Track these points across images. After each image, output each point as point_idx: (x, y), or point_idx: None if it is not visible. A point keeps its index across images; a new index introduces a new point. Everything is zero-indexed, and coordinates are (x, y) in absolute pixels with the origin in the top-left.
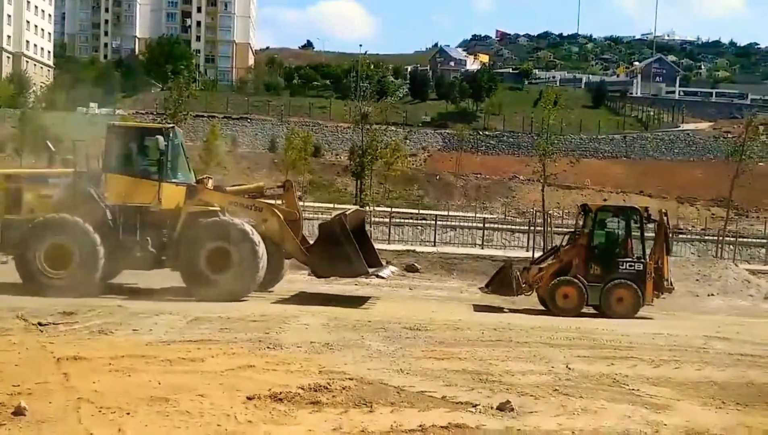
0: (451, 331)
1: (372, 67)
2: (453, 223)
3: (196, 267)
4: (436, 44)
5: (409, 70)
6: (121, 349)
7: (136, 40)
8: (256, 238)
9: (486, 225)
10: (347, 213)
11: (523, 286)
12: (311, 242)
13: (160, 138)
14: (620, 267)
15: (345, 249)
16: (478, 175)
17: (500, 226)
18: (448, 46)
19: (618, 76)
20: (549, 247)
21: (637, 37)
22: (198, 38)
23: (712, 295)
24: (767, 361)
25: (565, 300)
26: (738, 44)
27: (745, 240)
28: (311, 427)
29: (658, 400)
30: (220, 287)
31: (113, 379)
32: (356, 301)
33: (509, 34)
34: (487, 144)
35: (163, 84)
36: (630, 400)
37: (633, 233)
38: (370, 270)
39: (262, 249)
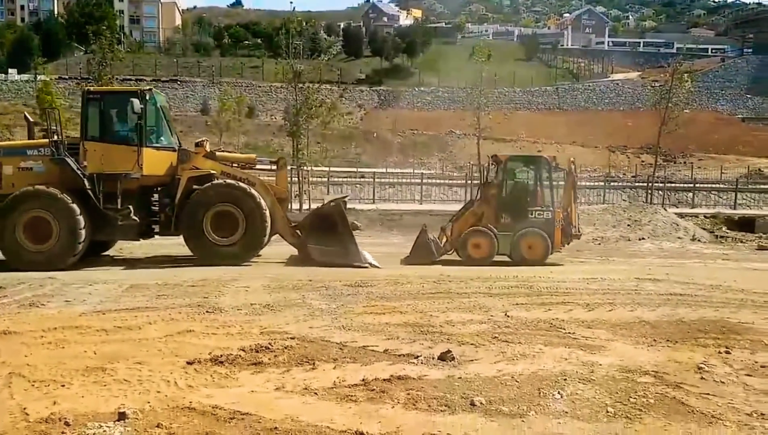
0: (392, 286)
1: (304, 24)
2: (391, 180)
3: (201, 231)
4: (368, 0)
5: (342, 26)
6: (53, 321)
7: (55, 1)
8: (263, 202)
9: (424, 180)
10: (346, 199)
11: (444, 245)
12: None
13: (135, 101)
14: (530, 216)
15: (342, 236)
16: (415, 132)
17: (438, 181)
18: (381, 1)
19: (549, 28)
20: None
21: None
22: None
23: (643, 238)
24: (695, 299)
25: (477, 250)
26: None
27: (673, 185)
28: (253, 388)
29: (593, 342)
30: (226, 251)
31: (46, 352)
32: (297, 261)
33: None
34: (423, 100)
35: (86, 47)
36: (566, 343)
37: (542, 182)
38: (365, 258)
39: (267, 213)
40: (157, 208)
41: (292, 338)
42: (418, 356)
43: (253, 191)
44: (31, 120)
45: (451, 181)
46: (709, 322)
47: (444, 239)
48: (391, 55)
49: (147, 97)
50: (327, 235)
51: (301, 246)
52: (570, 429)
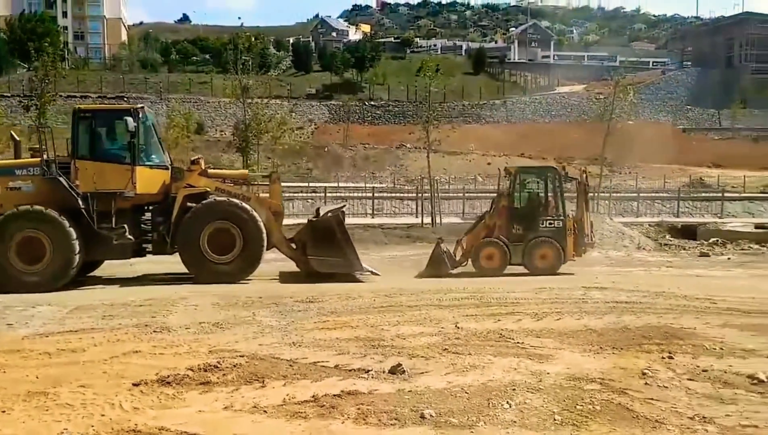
0: (343, 301)
1: (253, 39)
2: (343, 194)
3: (198, 249)
4: (317, 15)
5: (291, 42)
6: None
7: None
8: (259, 219)
9: (375, 194)
10: (343, 209)
11: (459, 258)
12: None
13: (130, 119)
14: (541, 225)
15: (341, 245)
16: (366, 145)
17: (389, 194)
18: (330, 16)
19: (496, 42)
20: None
21: (513, 3)
22: (65, 14)
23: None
24: (640, 306)
25: (489, 261)
26: (605, 8)
27: (618, 195)
28: (201, 408)
29: (541, 351)
30: (223, 269)
31: None
32: (248, 278)
33: (389, 3)
34: (374, 114)
35: (29, 64)
36: (515, 353)
37: (553, 193)
38: (365, 266)
39: (264, 229)
40: (149, 226)
41: (241, 356)
42: (368, 370)
43: (249, 208)
44: (18, 139)
45: (402, 195)
46: (653, 329)
47: (459, 252)
48: (340, 69)
49: (140, 116)
50: (326, 246)
51: (299, 259)
52: None
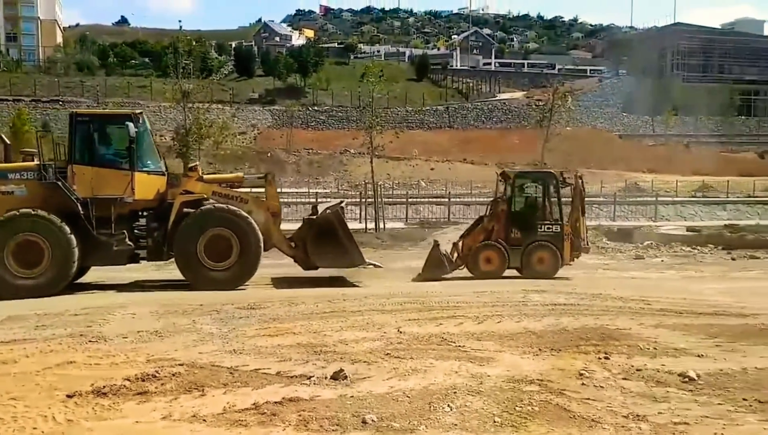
0: (286, 307)
1: (194, 43)
2: (287, 200)
3: (194, 256)
4: (259, 19)
5: (233, 46)
6: None
7: None
8: (256, 225)
9: (318, 199)
10: (342, 205)
11: (456, 261)
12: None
13: (131, 125)
14: (539, 230)
15: (342, 240)
16: (310, 151)
17: (334, 199)
18: (273, 21)
19: (439, 49)
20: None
21: (455, 11)
22: None
23: None
24: (578, 308)
25: (488, 264)
26: (544, 17)
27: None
28: (138, 419)
29: (482, 354)
30: (220, 276)
31: None
32: (187, 286)
33: (333, 9)
34: (317, 119)
35: None
36: (457, 356)
37: (551, 197)
38: (367, 260)
39: (261, 236)
40: (144, 232)
41: (180, 365)
42: (310, 377)
43: (246, 215)
44: (8, 142)
45: (346, 200)
46: (590, 330)
47: (455, 255)
48: (284, 74)
49: (140, 121)
50: (328, 242)
51: (300, 257)
52: None
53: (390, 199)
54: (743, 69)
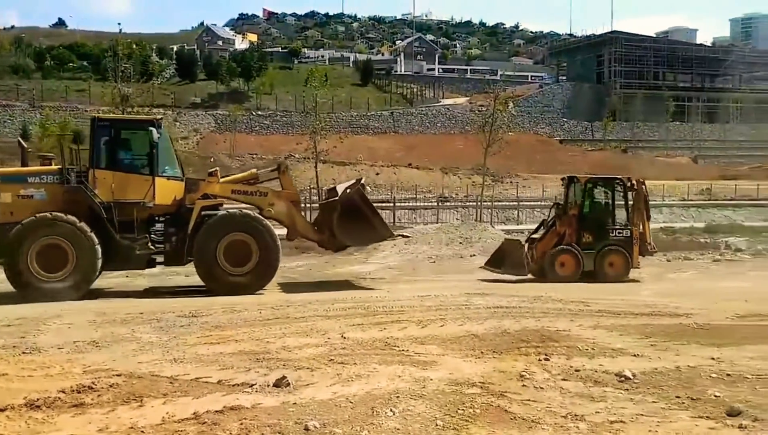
0: (228, 314)
1: (134, 46)
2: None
3: (214, 261)
4: (202, 23)
5: (174, 49)
6: None
7: None
8: (273, 229)
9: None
10: (362, 182)
11: (530, 263)
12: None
13: (154, 130)
14: (610, 234)
15: (368, 217)
16: (254, 156)
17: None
18: (215, 25)
19: (383, 54)
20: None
21: (399, 17)
22: None
23: (475, 255)
24: (519, 310)
25: (563, 268)
26: (486, 24)
27: (500, 203)
28: (73, 431)
29: (425, 358)
30: (239, 280)
31: None
32: (126, 294)
33: (276, 13)
34: (261, 124)
35: None
36: (400, 361)
37: (623, 202)
38: (395, 233)
39: (278, 240)
40: (161, 238)
41: (118, 375)
42: (252, 384)
43: (263, 219)
44: (25, 145)
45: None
46: (531, 332)
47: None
48: (226, 79)
49: (161, 127)
50: (354, 221)
51: (327, 240)
52: None
53: None
54: (677, 76)
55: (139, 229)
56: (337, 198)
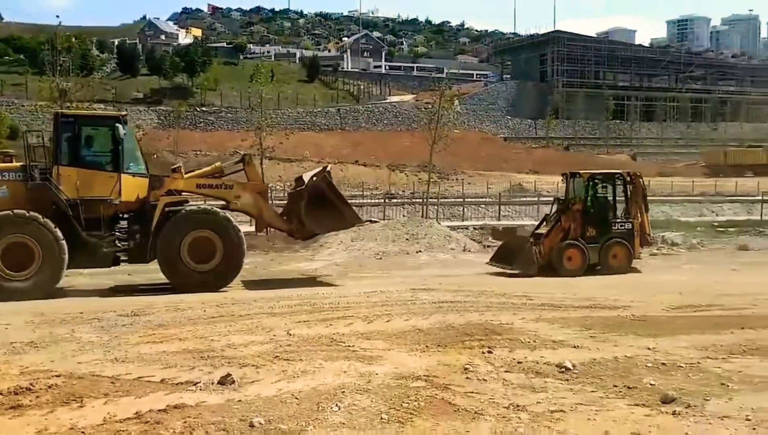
0: (172, 312)
1: (73, 39)
2: None
3: (178, 258)
4: (144, 17)
5: (116, 43)
6: None
7: None
8: (237, 225)
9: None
10: (328, 169)
11: (538, 260)
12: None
13: (120, 126)
14: (613, 227)
15: (335, 204)
16: (199, 152)
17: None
18: (158, 18)
19: (329, 51)
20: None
21: (345, 13)
22: None
23: (420, 251)
24: (464, 305)
25: (570, 262)
26: (432, 22)
27: (446, 200)
28: (11, 434)
29: (371, 353)
30: (203, 277)
31: None
32: (66, 294)
33: (221, 8)
34: (206, 120)
35: None
36: (345, 356)
37: (623, 196)
38: (363, 218)
39: (243, 237)
40: (126, 235)
41: (57, 376)
42: (196, 383)
43: (228, 215)
44: None
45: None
46: (475, 326)
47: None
48: (170, 74)
49: (127, 123)
50: (322, 208)
51: (295, 229)
52: None
53: (282, 202)
54: (616, 75)
55: (105, 227)
56: (303, 186)
